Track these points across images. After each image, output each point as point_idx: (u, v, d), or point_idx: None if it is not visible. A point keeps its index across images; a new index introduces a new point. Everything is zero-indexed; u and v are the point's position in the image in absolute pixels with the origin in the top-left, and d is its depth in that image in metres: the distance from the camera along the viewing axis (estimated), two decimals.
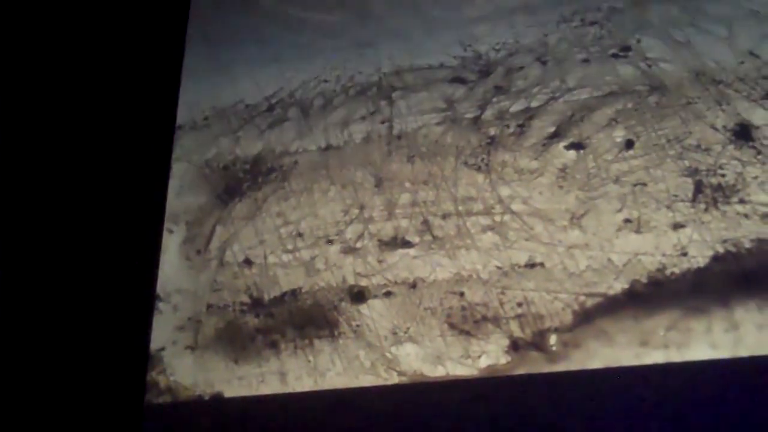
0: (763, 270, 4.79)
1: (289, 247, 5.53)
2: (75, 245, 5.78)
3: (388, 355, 5.20)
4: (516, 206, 5.24)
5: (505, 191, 5.28)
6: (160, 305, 5.56)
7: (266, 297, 5.45)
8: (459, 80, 5.57)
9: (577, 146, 5.24)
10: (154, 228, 5.75)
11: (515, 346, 5.07)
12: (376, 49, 5.82)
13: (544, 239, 5.14)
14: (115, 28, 6.28)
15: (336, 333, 5.30)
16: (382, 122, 5.63)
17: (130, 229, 5.75)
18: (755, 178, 4.91)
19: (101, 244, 5.75)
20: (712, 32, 5.19)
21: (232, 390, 5.29)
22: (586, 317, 5.00)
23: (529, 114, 5.36)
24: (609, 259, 5.02)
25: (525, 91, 5.41)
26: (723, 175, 4.96)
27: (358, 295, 5.34)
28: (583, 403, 4.87)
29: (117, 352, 5.47)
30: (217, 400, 5.30)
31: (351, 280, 5.38)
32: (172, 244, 5.73)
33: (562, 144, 5.28)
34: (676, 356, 4.82)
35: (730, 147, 4.99)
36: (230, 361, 5.36)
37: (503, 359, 5.07)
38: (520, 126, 5.36)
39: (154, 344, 5.49)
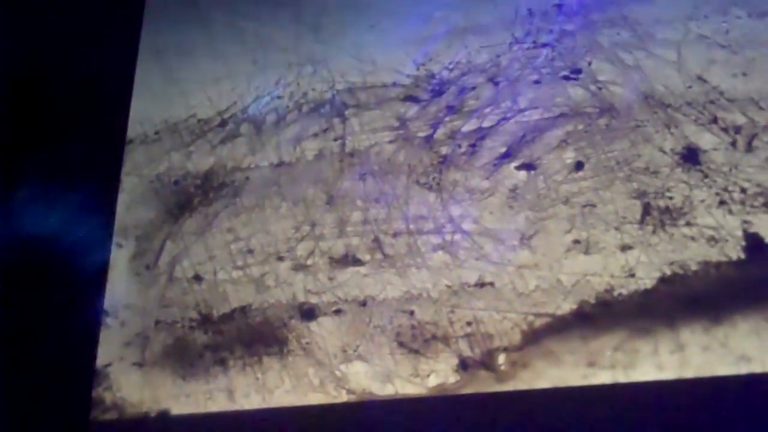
0: (709, 292, 4.85)
1: (240, 263, 5.51)
2: (22, 258, 5.71)
3: (337, 373, 5.19)
4: (467, 225, 5.26)
5: (456, 210, 5.30)
6: (108, 320, 5.51)
7: (215, 313, 5.42)
8: (412, 99, 5.59)
9: (527, 167, 5.28)
10: (103, 242, 5.70)
11: (464, 365, 5.09)
12: (329, 66, 5.82)
13: (494, 259, 5.17)
14: (66, 40, 6.23)
15: (285, 350, 5.28)
16: (335, 139, 5.64)
17: (78, 243, 5.69)
18: (702, 201, 4.98)
19: (49, 257, 5.68)
20: (661, 56, 5.25)
21: (179, 407, 5.25)
22: (534, 337, 5.03)
23: (481, 134, 5.40)
24: (558, 280, 5.06)
25: (477, 111, 5.44)
26: (671, 198, 5.02)
27: (308, 313, 5.33)
28: (531, 423, 4.90)
29: (63, 368, 5.41)
30: (164, 417, 5.26)
31: (301, 298, 5.36)
32: (121, 259, 5.68)
33: (513, 164, 5.31)
34: (622, 377, 4.86)
35: (678, 170, 5.05)
36: (178, 377, 5.32)
37: (452, 378, 5.09)
38: (472, 146, 5.39)
39: (101, 360, 5.44)
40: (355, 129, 5.62)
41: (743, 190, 4.93)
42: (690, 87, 5.18)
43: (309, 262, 5.41)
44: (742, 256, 4.86)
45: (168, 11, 6.32)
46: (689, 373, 4.80)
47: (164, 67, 6.16)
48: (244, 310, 5.39)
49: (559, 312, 5.02)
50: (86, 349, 5.44)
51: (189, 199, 5.74)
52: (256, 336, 5.33)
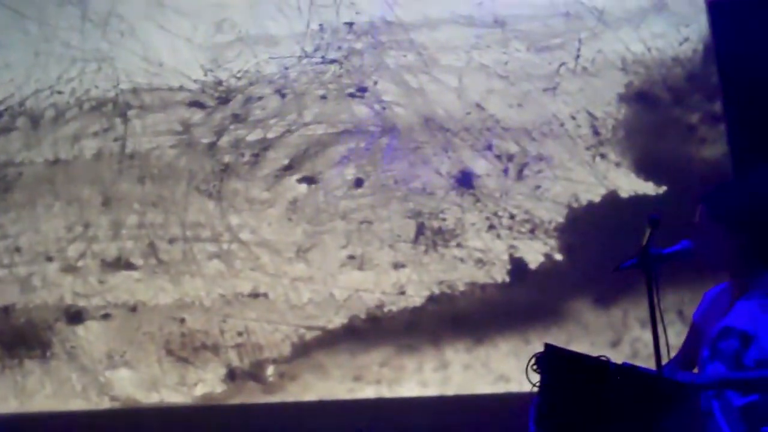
0: (474, 312, 5.02)
1: (5, 261, 5.32)
2: None
3: (101, 379, 5.09)
4: (244, 235, 5.26)
5: (234, 220, 5.29)
6: None
7: None
8: (197, 104, 5.53)
9: (308, 180, 5.32)
10: None
11: (232, 375, 5.08)
12: (115, 65, 5.67)
13: (270, 270, 5.19)
14: None
15: (48, 354, 5.15)
16: (115, 140, 5.51)
17: None
18: (473, 224, 5.14)
19: None
20: (443, 82, 5.39)
21: None
22: (304, 350, 5.08)
23: (265, 145, 5.40)
24: (331, 294, 5.12)
25: (262, 121, 5.44)
26: (444, 219, 5.17)
27: (75, 316, 5.20)
28: None
29: None
30: None
31: (69, 300, 5.23)
32: None
33: (294, 177, 5.34)
34: (387, 392, 4.97)
35: (453, 193, 5.20)
36: None
37: (219, 388, 5.08)
38: (255, 156, 5.39)
39: None
40: (137, 130, 5.51)
41: (512, 216, 5.13)
42: (469, 113, 5.34)
43: (80, 263, 5.27)
44: (507, 279, 5.06)
45: None
46: (451, 391, 4.96)
47: None
48: (6, 310, 5.23)
49: (330, 326, 5.08)
50: None
51: None
52: (18, 338, 5.17)
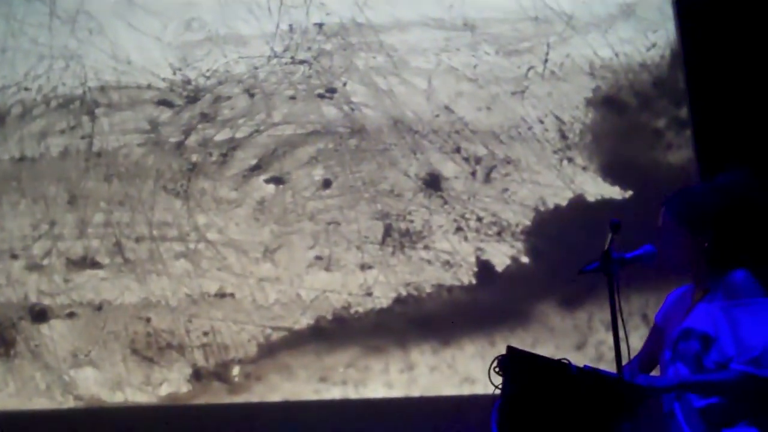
0: (440, 314, 5.03)
1: None
2: None
3: (66, 377, 5.05)
4: (211, 235, 5.24)
5: (201, 219, 5.27)
6: None
7: None
8: (165, 103, 5.50)
9: (276, 180, 5.31)
10: None
11: (198, 375, 5.06)
12: (83, 63, 5.62)
13: (237, 270, 5.17)
14: None
15: (12, 352, 5.11)
16: (83, 138, 5.47)
17: None
18: (440, 226, 5.16)
19: None
20: (412, 84, 5.41)
21: None
22: (270, 350, 5.07)
23: (233, 144, 5.38)
24: (298, 294, 5.12)
25: (231, 121, 5.42)
26: (411, 221, 5.18)
27: (40, 314, 5.16)
28: None
29: None
30: None
31: (33, 298, 5.19)
32: None
33: (262, 177, 5.33)
34: (353, 393, 4.97)
35: (420, 195, 5.21)
36: None
37: (185, 388, 5.05)
38: (223, 155, 5.37)
39: None
40: (104, 129, 5.47)
41: (479, 219, 5.15)
42: (437, 116, 5.35)
43: (45, 262, 5.23)
44: (473, 281, 5.07)
45: None
46: (417, 392, 4.97)
47: None
48: None
49: (297, 326, 5.08)
50: None
51: None
52: None
